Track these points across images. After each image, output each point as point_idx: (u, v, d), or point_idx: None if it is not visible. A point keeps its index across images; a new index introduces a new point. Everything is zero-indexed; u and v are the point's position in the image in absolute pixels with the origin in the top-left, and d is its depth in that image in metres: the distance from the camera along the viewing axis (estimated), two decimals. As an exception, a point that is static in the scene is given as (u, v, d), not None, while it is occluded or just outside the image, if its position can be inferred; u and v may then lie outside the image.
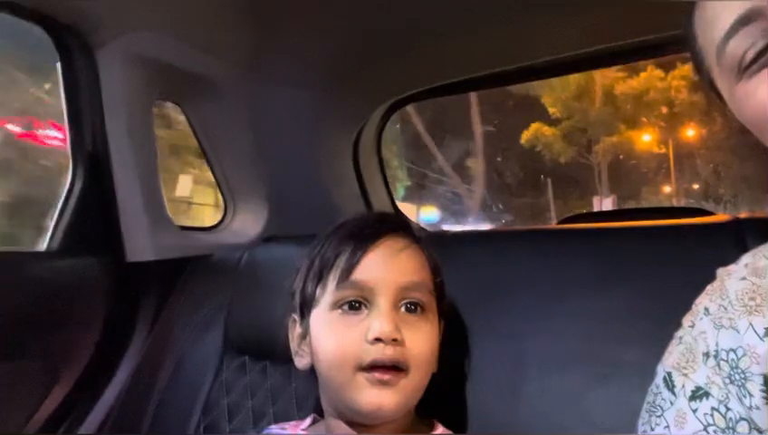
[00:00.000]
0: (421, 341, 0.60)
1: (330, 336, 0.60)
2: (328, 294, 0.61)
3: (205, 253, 1.12)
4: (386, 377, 0.57)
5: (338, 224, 0.67)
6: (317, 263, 0.63)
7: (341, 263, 0.61)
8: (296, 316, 0.66)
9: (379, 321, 0.58)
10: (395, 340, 0.57)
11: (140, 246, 1.06)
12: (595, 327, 0.64)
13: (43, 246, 0.97)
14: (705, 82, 0.50)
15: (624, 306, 0.63)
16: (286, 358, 0.82)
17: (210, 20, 1.03)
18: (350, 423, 0.61)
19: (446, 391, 0.66)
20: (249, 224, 1.28)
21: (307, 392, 0.79)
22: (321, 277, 0.62)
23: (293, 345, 0.67)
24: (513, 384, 0.65)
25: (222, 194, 1.29)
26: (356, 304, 0.60)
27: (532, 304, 0.69)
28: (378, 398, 0.57)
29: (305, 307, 0.64)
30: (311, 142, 1.30)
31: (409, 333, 0.59)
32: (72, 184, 1.00)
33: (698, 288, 0.51)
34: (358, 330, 0.58)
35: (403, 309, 0.60)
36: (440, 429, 0.63)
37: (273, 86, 1.19)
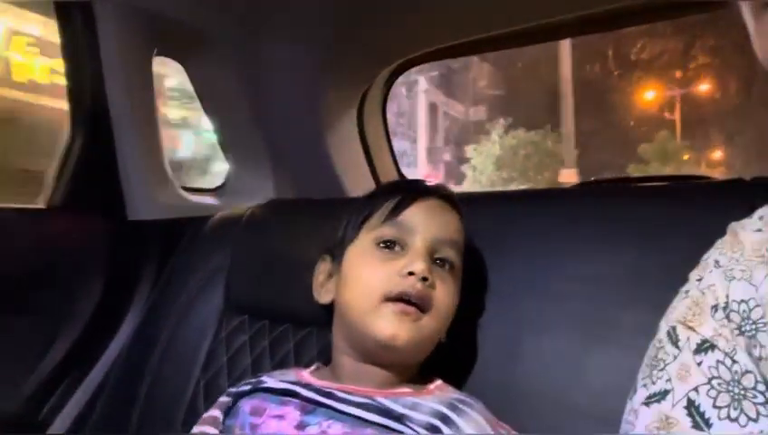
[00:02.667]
0: (446, 293, 0.63)
1: (365, 265, 0.63)
2: (371, 230, 0.65)
3: (206, 214, 1.11)
4: (409, 309, 0.60)
5: (389, 182, 0.73)
6: (366, 205, 0.67)
7: (390, 206, 0.65)
8: (327, 256, 0.70)
9: (414, 259, 0.61)
10: (425, 279, 0.60)
11: (141, 204, 1.05)
12: (597, 289, 0.63)
13: (43, 202, 0.97)
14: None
15: (627, 268, 0.62)
16: (285, 317, 0.83)
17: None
18: (358, 361, 0.63)
19: (444, 351, 0.65)
20: (252, 186, 1.27)
21: (305, 350, 0.79)
22: (367, 217, 0.66)
23: (318, 282, 0.70)
24: (512, 345, 0.65)
25: (225, 154, 1.28)
26: (394, 244, 0.64)
27: (532, 265, 0.68)
28: (396, 327, 0.59)
29: (341, 246, 0.67)
30: (314, 104, 1.28)
31: (439, 282, 0.62)
32: (72, 140, 0.99)
33: (705, 250, 0.50)
34: (392, 265, 0.62)
35: (436, 263, 0.64)
36: (439, 382, 0.64)
37: (277, 44, 1.16)
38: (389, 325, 0.59)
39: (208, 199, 1.24)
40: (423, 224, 0.64)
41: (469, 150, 12.64)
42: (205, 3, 1.04)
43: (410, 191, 0.67)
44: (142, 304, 1.04)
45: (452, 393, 0.61)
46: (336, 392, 0.60)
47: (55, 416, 0.97)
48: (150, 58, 1.05)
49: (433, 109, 12.91)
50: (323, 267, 0.70)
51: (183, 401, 0.84)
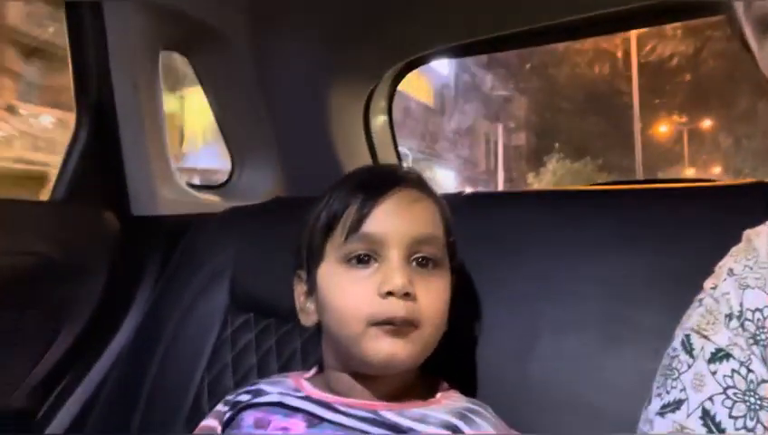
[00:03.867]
0: (434, 296, 0.58)
1: (339, 291, 0.58)
2: (336, 248, 0.58)
3: (211, 211, 1.10)
4: (399, 328, 0.55)
5: (346, 175, 0.64)
6: (324, 215, 0.60)
7: (351, 215, 0.58)
8: (302, 272, 0.64)
9: (391, 274, 0.55)
10: (407, 294, 0.55)
11: (146, 199, 1.05)
12: (612, 290, 0.62)
13: (46, 195, 0.96)
14: (738, 38, 0.47)
15: (643, 269, 0.61)
16: (292, 316, 0.82)
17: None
18: (355, 376, 0.59)
19: (456, 352, 0.64)
20: (256, 183, 1.27)
21: (312, 349, 0.78)
22: (329, 230, 0.59)
23: (299, 303, 0.65)
24: (527, 346, 0.63)
25: (229, 151, 1.27)
26: (366, 257, 0.57)
27: (548, 266, 0.66)
28: (391, 347, 0.55)
29: (312, 262, 0.61)
30: (321, 101, 1.27)
31: (422, 288, 0.57)
32: (77, 133, 0.98)
33: (722, 252, 0.49)
34: (368, 283, 0.56)
35: (415, 263, 0.58)
36: (445, 385, 0.62)
37: (285, 40, 1.16)
38: (384, 346, 0.55)
39: (212, 196, 1.23)
40: (392, 228, 0.57)
41: (530, 177, 15.83)
42: (215, -2, 1.03)
43: (369, 193, 0.58)
44: (145, 300, 1.03)
45: (460, 401, 0.59)
46: (337, 406, 0.57)
47: (55, 413, 0.96)
48: (158, 53, 1.04)
49: (486, 139, 15.70)
50: (300, 288, 0.65)
51: (187, 400, 0.83)
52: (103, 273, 1.00)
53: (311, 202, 1.01)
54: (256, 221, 0.97)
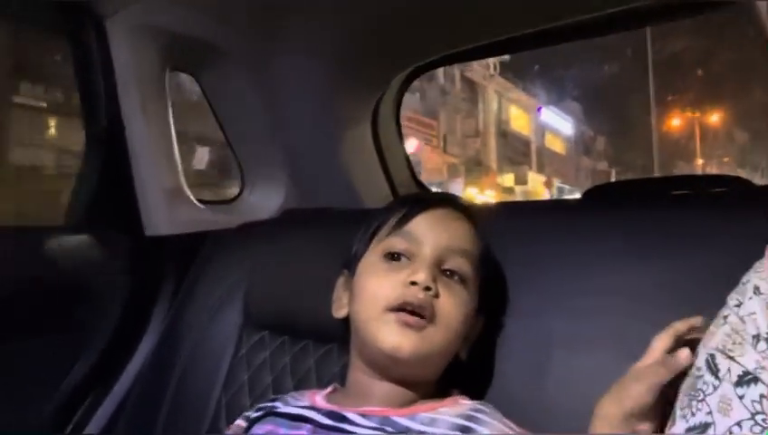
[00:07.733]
0: (453, 301, 0.61)
1: (372, 276, 0.63)
2: (379, 244, 0.65)
3: (223, 227, 1.11)
4: (410, 320, 0.59)
5: (402, 195, 0.70)
6: (374, 219, 0.68)
7: (398, 216, 0.65)
8: (346, 271, 0.70)
9: (418, 268, 0.61)
10: (428, 288, 0.60)
11: (158, 220, 1.05)
12: (626, 305, 0.60)
13: (61, 220, 0.97)
14: (762, 37, 0.45)
15: (657, 283, 0.59)
16: (305, 333, 0.82)
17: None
18: (372, 376, 0.62)
19: (469, 370, 0.64)
20: (267, 197, 1.27)
21: (326, 367, 0.78)
22: (376, 231, 0.66)
23: (336, 295, 0.70)
24: (540, 363, 0.63)
25: (239, 167, 1.27)
26: (401, 256, 0.63)
27: (560, 281, 0.65)
28: (398, 337, 0.58)
29: (356, 261, 0.67)
30: (328, 112, 1.27)
31: (445, 292, 0.61)
32: (88, 158, 0.99)
33: (739, 263, 0.48)
34: (398, 275, 0.61)
35: (443, 275, 0.62)
36: (455, 392, 0.63)
37: (289, 55, 1.16)
38: (392, 335, 0.59)
39: (224, 212, 1.24)
40: (430, 233, 0.63)
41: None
42: (217, 17, 1.03)
43: (419, 202, 0.66)
44: (161, 319, 1.04)
45: (468, 403, 0.60)
46: (349, 416, 0.59)
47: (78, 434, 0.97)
48: (164, 73, 1.05)
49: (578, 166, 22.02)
50: (341, 280, 0.70)
51: (204, 421, 0.83)
52: (120, 295, 1.01)
53: (321, 214, 1.01)
54: (268, 236, 0.97)
